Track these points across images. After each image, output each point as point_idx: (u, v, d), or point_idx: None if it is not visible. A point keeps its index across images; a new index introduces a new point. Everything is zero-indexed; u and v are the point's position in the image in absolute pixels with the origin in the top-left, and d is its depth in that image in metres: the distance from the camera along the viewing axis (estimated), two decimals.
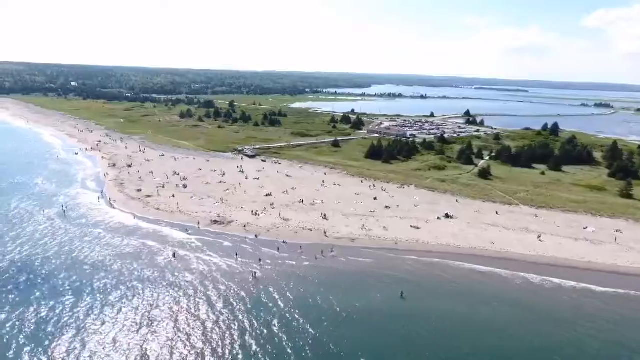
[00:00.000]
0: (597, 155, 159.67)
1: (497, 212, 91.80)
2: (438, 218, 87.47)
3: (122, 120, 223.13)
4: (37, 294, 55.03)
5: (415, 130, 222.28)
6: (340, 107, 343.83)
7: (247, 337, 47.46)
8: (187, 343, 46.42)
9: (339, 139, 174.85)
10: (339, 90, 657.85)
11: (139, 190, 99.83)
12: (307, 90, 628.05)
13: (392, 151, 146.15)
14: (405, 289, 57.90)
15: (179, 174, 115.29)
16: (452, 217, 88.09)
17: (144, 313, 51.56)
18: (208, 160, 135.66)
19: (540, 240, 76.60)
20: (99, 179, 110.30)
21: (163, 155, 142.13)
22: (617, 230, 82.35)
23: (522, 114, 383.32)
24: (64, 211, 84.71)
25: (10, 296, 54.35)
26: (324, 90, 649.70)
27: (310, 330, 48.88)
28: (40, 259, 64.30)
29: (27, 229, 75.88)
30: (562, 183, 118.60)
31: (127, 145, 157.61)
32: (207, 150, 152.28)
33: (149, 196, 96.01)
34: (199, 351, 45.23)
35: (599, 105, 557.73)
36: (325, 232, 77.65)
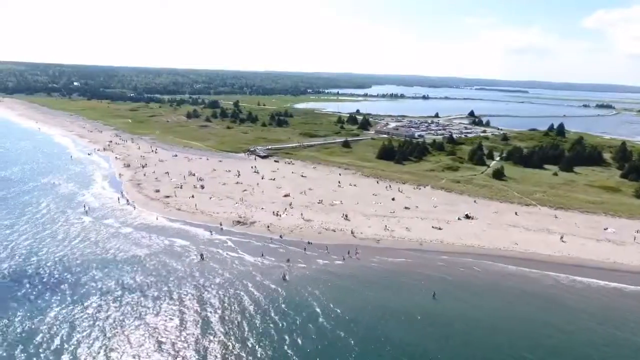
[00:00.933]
0: (607, 156, 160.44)
1: (516, 213, 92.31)
2: (458, 219, 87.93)
3: (129, 121, 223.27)
4: (83, 291, 55.84)
5: (423, 130, 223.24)
6: (344, 108, 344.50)
7: (294, 333, 48.21)
8: (236, 338, 46.97)
9: (349, 139, 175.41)
10: (341, 91, 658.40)
11: (157, 191, 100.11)
12: (309, 90, 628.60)
13: (404, 152, 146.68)
14: (437, 289, 58.37)
15: (194, 175, 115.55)
16: (472, 218, 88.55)
17: (190, 310, 52.31)
18: (221, 161, 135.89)
19: (563, 241, 77.09)
20: (115, 180, 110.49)
21: (176, 155, 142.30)
22: (637, 231, 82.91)
23: (524, 114, 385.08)
24: (87, 211, 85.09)
25: (58, 294, 54.99)
26: (326, 91, 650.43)
27: (354, 328, 49.43)
28: (79, 258, 64.87)
29: (60, 228, 76.34)
30: (576, 184, 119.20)
31: (139, 145, 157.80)
32: (219, 151, 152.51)
33: (167, 197, 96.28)
34: (249, 348, 45.68)
35: (600, 106, 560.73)
36: (352, 232, 78.15)
